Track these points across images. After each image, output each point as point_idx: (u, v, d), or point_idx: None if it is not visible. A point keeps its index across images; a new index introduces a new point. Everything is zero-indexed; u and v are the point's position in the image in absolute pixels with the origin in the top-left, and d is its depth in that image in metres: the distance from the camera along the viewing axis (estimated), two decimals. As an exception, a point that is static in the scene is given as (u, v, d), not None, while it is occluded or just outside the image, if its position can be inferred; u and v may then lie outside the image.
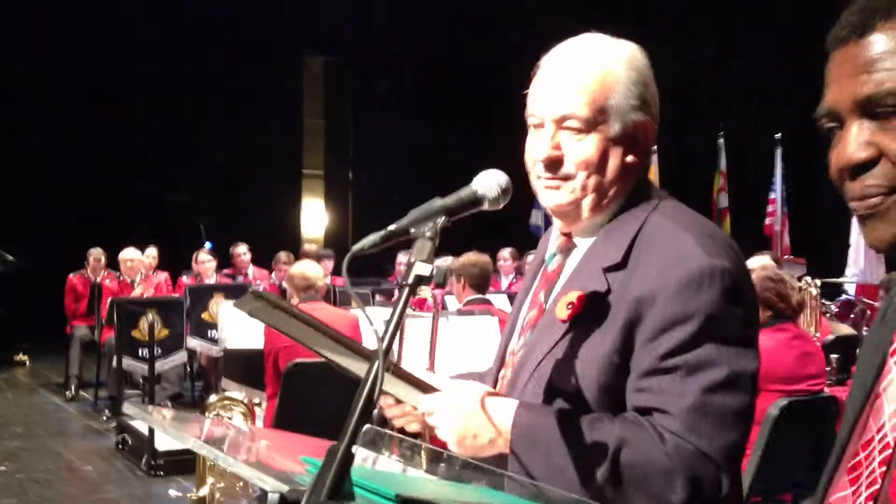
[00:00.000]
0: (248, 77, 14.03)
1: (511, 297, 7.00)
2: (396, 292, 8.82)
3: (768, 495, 3.80)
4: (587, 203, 1.46)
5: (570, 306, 1.41)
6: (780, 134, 10.31)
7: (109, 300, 7.81)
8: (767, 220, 10.47)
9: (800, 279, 6.03)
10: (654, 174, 9.16)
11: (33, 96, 12.93)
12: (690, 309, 1.32)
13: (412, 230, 1.23)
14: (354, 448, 0.92)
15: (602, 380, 1.38)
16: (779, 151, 10.33)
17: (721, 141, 11.04)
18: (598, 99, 1.42)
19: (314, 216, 16.50)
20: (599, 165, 1.43)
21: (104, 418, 7.63)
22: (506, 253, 9.12)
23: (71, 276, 9.00)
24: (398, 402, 1.49)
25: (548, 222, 8.34)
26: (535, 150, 1.47)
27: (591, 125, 1.42)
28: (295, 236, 15.11)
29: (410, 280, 1.13)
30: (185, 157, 13.72)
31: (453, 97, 15.51)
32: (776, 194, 10.44)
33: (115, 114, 13.08)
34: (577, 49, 1.48)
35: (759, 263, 5.18)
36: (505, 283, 9.11)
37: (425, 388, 1.39)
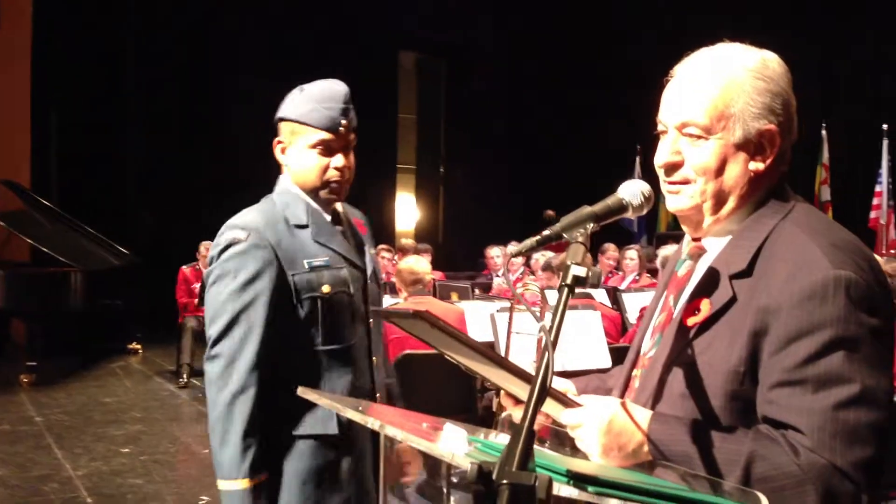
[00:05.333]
0: (342, 72, 14.31)
1: (608, 291, 7.05)
2: (495, 285, 8.94)
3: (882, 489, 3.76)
4: (707, 208, 1.48)
5: (696, 313, 1.45)
6: (886, 125, 10.02)
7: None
8: (872, 214, 10.19)
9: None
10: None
11: (143, 101, 13.56)
12: (816, 320, 1.31)
13: (565, 235, 1.34)
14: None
15: (728, 388, 1.39)
16: (885, 143, 10.04)
17: (823, 132, 10.79)
18: (717, 106, 1.44)
19: (406, 211, 16.80)
20: (718, 171, 1.45)
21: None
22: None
23: (183, 268, 9.47)
24: (515, 399, 1.59)
25: (640, 218, 8.34)
26: (658, 156, 1.51)
27: (709, 131, 1.44)
28: (390, 230, 15.42)
29: (569, 281, 1.24)
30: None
31: (545, 94, 15.54)
32: (882, 187, 10.15)
33: (214, 110, 13.59)
34: (703, 58, 1.50)
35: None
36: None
37: (566, 401, 1.45)
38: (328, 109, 2.24)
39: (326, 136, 2.25)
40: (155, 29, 13.33)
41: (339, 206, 2.42)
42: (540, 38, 15.67)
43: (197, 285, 9.25)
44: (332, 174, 2.29)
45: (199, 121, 13.46)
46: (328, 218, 2.36)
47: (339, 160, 2.29)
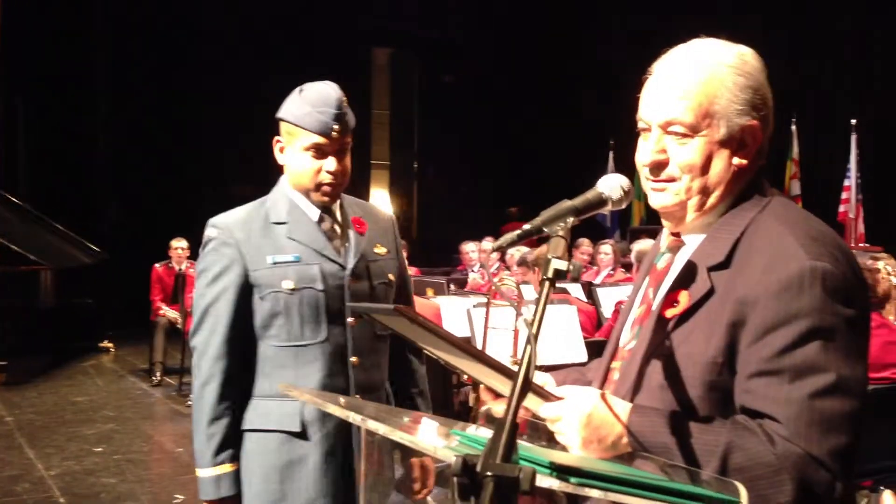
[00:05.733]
0: (316, 68, 14.24)
1: (583, 286, 7.09)
2: (470, 280, 8.96)
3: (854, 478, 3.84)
4: (692, 204, 1.49)
5: (675, 305, 1.46)
6: (855, 120, 10.15)
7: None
8: (842, 208, 10.32)
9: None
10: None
11: (113, 96, 13.44)
12: (792, 311, 1.33)
13: (545, 229, 1.35)
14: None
15: (707, 378, 1.40)
16: (854, 138, 10.18)
17: (794, 127, 10.93)
18: (702, 104, 1.44)
19: (380, 206, 16.78)
20: (703, 168, 1.46)
21: (189, 403, 7.95)
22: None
23: (157, 266, 9.38)
24: (495, 393, 1.59)
25: (614, 213, 8.40)
26: (642, 155, 1.51)
27: (695, 130, 1.45)
28: (363, 227, 15.36)
29: (550, 274, 1.24)
30: (254, 150, 14.03)
31: (519, 90, 15.58)
32: (850, 181, 10.29)
33: (185, 106, 13.49)
34: (684, 55, 1.50)
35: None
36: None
37: (545, 395, 1.45)
38: (321, 114, 2.26)
39: (319, 139, 2.27)
40: (127, 23, 13.19)
41: (341, 202, 2.44)
42: (515, 33, 15.70)
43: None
44: (325, 177, 2.31)
45: (171, 117, 13.34)
46: (314, 215, 2.37)
47: (331, 164, 2.30)
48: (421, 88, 17.06)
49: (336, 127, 2.28)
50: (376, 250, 2.45)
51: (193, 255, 9.35)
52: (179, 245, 9.31)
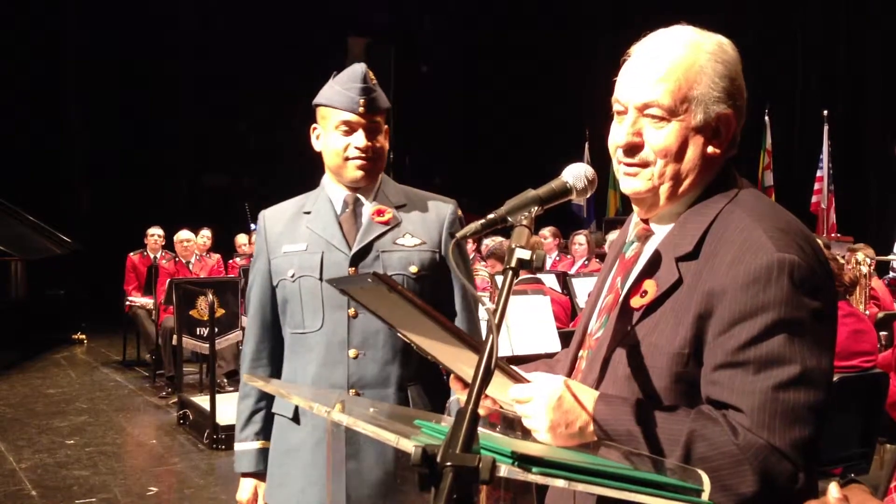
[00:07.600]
0: (291, 58, 14.21)
1: (558, 276, 7.11)
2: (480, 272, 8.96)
3: (818, 468, 3.89)
4: (664, 190, 1.47)
5: (643, 295, 1.45)
6: (826, 111, 10.25)
7: (168, 281, 8.06)
8: (814, 199, 10.42)
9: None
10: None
11: (85, 84, 13.28)
12: (759, 303, 1.32)
13: (509, 218, 1.33)
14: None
15: (674, 369, 1.39)
16: (826, 129, 10.27)
17: (767, 118, 11.00)
18: (681, 88, 1.42)
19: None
20: (678, 154, 1.44)
21: (163, 394, 7.92)
22: (546, 231, 9.17)
23: (131, 255, 9.25)
24: (464, 383, 1.57)
25: (590, 204, 8.53)
26: (617, 136, 1.49)
27: (672, 114, 1.43)
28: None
29: (513, 264, 1.23)
30: (228, 141, 13.95)
31: (494, 80, 15.57)
32: (823, 172, 10.39)
33: (158, 95, 13.36)
34: (665, 39, 1.49)
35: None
36: (548, 262, 9.20)
37: (515, 377, 1.44)
38: (347, 90, 2.27)
39: (347, 115, 2.27)
40: (99, 11, 13.02)
41: (381, 191, 2.38)
42: (492, 22, 15.67)
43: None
44: (352, 152, 2.29)
45: (143, 106, 13.22)
46: (338, 204, 2.35)
47: (359, 138, 2.28)
48: (397, 78, 16.99)
49: (361, 101, 2.26)
50: (401, 240, 2.32)
51: (168, 245, 9.27)
52: (156, 232, 9.16)
